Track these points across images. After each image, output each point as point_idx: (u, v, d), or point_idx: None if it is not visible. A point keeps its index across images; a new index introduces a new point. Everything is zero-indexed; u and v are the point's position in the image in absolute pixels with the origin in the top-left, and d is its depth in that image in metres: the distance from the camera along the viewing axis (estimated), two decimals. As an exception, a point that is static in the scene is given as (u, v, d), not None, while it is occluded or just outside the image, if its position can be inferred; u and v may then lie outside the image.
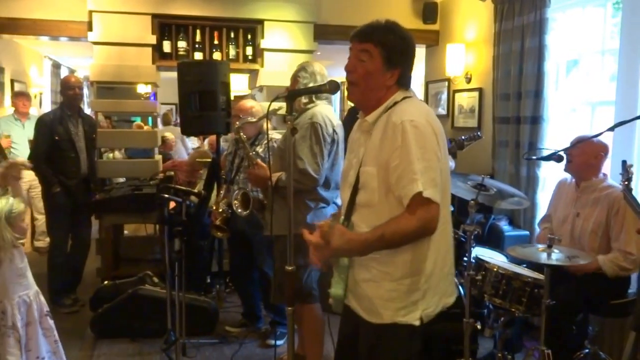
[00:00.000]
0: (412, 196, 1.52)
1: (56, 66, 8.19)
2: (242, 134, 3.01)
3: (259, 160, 2.82)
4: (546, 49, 3.62)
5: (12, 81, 6.49)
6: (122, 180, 5.05)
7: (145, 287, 3.57)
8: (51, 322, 2.42)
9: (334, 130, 2.68)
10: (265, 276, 3.43)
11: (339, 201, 2.59)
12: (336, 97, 10.52)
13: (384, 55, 1.63)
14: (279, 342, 3.32)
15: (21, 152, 4.96)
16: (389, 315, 1.63)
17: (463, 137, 3.05)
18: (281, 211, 2.31)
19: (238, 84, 5.90)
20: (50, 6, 4.46)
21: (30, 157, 4.04)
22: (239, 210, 2.94)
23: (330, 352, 3.00)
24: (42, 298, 2.44)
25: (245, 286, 3.66)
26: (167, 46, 4.56)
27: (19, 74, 6.78)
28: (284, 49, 4.70)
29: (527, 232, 3.75)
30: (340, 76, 9.75)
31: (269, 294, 3.46)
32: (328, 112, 2.74)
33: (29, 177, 4.66)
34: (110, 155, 5.68)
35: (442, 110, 5.03)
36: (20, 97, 5.53)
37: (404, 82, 1.70)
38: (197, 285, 3.95)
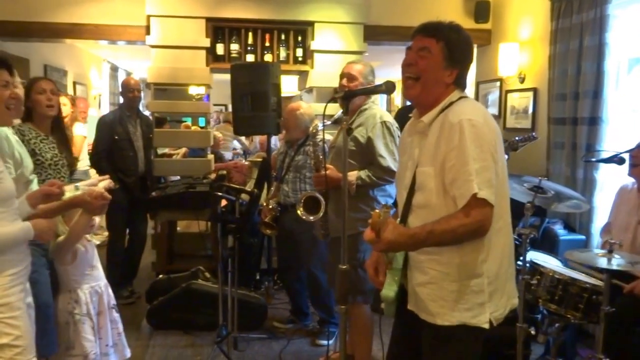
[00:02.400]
0: (467, 197, 1.51)
1: (114, 69, 8.56)
2: (318, 138, 2.85)
3: (328, 165, 2.74)
4: (607, 47, 3.49)
5: (75, 83, 6.85)
6: (174, 178, 5.21)
7: (197, 281, 3.67)
8: (116, 315, 2.51)
9: (397, 128, 2.73)
10: (313, 275, 3.46)
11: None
12: (382, 98, 10.48)
13: (445, 53, 1.63)
14: (326, 342, 3.35)
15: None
16: (456, 317, 1.62)
17: (517, 138, 2.98)
18: (347, 211, 2.33)
19: (288, 85, 5.97)
20: (110, 11, 4.67)
21: (91, 156, 4.24)
22: (310, 217, 2.85)
23: (376, 353, 3.02)
24: (110, 291, 2.53)
25: (293, 283, 3.71)
26: (220, 49, 4.68)
27: (80, 76, 7.14)
28: (334, 50, 4.72)
29: (583, 237, 3.62)
30: (388, 77, 9.71)
31: (316, 292, 3.51)
32: (386, 112, 2.79)
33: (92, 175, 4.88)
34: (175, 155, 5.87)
35: (493, 111, 4.93)
36: (79, 99, 5.83)
37: (460, 83, 1.69)
38: (247, 282, 4.04)
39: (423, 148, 1.65)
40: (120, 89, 4.38)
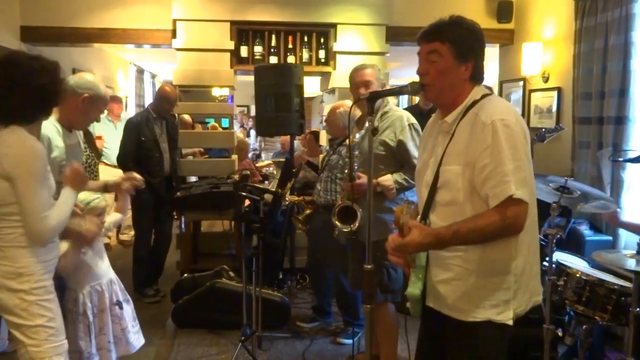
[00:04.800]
0: (502, 198, 1.51)
1: (140, 71, 8.73)
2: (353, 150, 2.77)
3: (359, 173, 2.68)
4: (633, 46, 3.45)
5: (101, 86, 7.00)
6: (194, 179, 5.28)
7: (222, 280, 3.71)
8: (119, 311, 2.49)
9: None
10: (340, 281, 3.47)
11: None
12: (403, 98, 10.44)
13: (454, 51, 1.62)
14: (349, 341, 3.36)
15: (113, 152, 5.30)
16: (482, 313, 1.62)
17: (545, 129, 2.95)
18: (379, 214, 2.34)
19: (310, 86, 6.02)
20: (137, 16, 4.79)
21: (118, 157, 4.34)
22: (345, 229, 2.69)
23: (401, 352, 3.03)
24: (116, 287, 2.51)
25: (319, 281, 3.73)
26: (244, 51, 4.75)
27: (107, 79, 7.30)
28: (356, 51, 4.74)
29: (610, 238, 3.57)
30: (412, 77, 9.67)
31: (343, 299, 3.52)
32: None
33: (117, 175, 4.99)
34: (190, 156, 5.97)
35: (517, 110, 4.89)
36: (114, 100, 5.98)
37: (478, 75, 1.69)
38: (270, 281, 4.08)
39: (449, 147, 1.65)
40: (156, 94, 4.45)
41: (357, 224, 2.64)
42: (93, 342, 2.38)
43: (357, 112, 3.14)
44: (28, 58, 1.96)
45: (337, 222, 2.73)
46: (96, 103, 2.42)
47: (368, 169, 1.88)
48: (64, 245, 2.29)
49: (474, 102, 1.64)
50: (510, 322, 1.62)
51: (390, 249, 1.61)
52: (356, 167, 2.66)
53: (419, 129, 2.68)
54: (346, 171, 2.83)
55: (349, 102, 3.59)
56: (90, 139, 2.91)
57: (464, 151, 1.60)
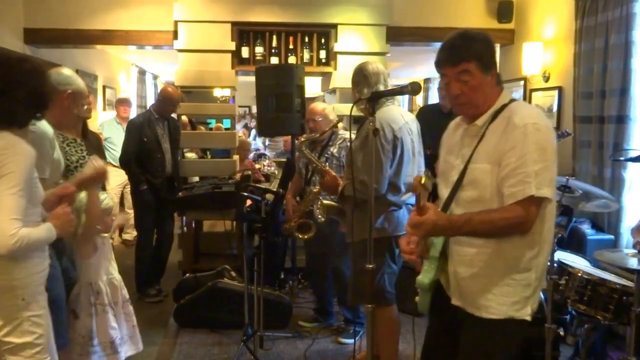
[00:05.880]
0: (519, 197, 1.55)
1: (142, 73, 8.75)
2: (305, 149, 3.13)
3: (329, 170, 2.87)
4: (633, 45, 3.45)
5: (104, 87, 7.03)
6: (196, 179, 5.29)
7: (223, 280, 3.72)
8: (130, 308, 2.56)
9: (394, 136, 2.60)
10: (339, 274, 3.49)
11: (412, 200, 2.62)
12: (404, 98, 10.42)
13: (480, 66, 1.66)
14: (350, 340, 3.38)
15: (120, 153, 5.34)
16: (503, 311, 1.65)
17: None
18: (358, 216, 2.35)
19: (311, 86, 6.03)
20: (139, 18, 4.81)
21: (120, 158, 4.36)
22: (320, 217, 3.05)
23: (402, 353, 3.04)
24: (124, 286, 2.59)
25: (319, 282, 3.74)
26: (245, 52, 4.77)
27: (110, 80, 7.33)
28: (356, 51, 4.74)
29: (611, 237, 3.57)
30: (411, 77, 9.68)
31: (343, 291, 3.53)
32: (390, 115, 2.65)
33: (123, 176, 5.01)
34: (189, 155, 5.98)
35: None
36: (123, 103, 6.01)
37: (499, 79, 1.74)
38: (272, 281, 4.09)
39: (478, 146, 1.68)
40: (158, 95, 4.45)
41: (311, 234, 3.23)
42: (124, 325, 2.45)
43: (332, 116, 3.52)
44: (18, 60, 1.90)
45: (317, 212, 3.03)
46: (78, 98, 2.39)
47: (368, 167, 1.90)
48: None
49: (504, 106, 1.68)
50: (529, 318, 1.66)
51: (408, 225, 1.63)
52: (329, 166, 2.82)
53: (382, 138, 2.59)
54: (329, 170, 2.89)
55: (328, 106, 3.68)
56: (94, 142, 2.88)
57: (493, 150, 1.64)
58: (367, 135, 2.54)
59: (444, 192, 1.79)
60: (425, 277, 1.73)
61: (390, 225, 2.67)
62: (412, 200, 2.60)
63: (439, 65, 1.72)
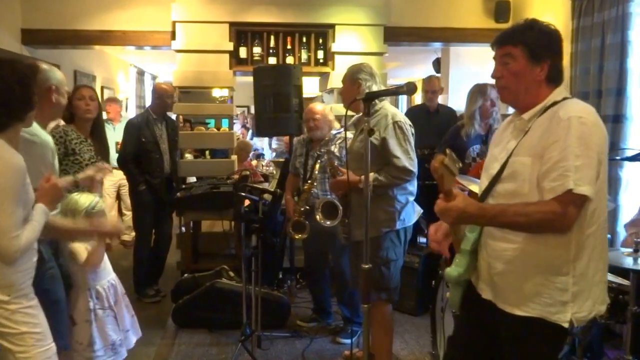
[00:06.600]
0: (559, 192, 1.50)
1: (140, 73, 8.77)
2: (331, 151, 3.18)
3: (342, 168, 2.89)
4: (629, 44, 3.46)
5: (102, 88, 7.04)
6: (193, 179, 5.29)
7: (222, 280, 3.72)
8: (127, 299, 2.62)
9: (410, 126, 2.75)
10: (339, 273, 3.49)
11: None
12: (402, 98, 10.42)
13: (527, 53, 1.62)
14: (348, 340, 3.38)
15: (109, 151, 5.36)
16: (536, 309, 1.60)
17: None
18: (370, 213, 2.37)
19: (309, 86, 6.04)
20: (137, 18, 4.82)
21: (118, 158, 4.36)
22: (327, 223, 3.07)
23: (397, 351, 3.05)
24: (119, 281, 2.63)
25: (317, 282, 3.75)
26: (243, 52, 4.78)
27: (108, 81, 7.34)
28: (354, 52, 4.76)
29: (607, 235, 3.57)
30: (409, 77, 9.67)
31: (342, 290, 3.54)
32: (398, 110, 2.82)
33: (120, 176, 5.02)
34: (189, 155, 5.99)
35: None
36: (112, 102, 6.01)
37: (555, 76, 1.68)
38: (270, 281, 4.09)
39: (522, 140, 1.65)
40: (153, 94, 4.44)
41: (337, 220, 2.99)
42: (128, 320, 2.49)
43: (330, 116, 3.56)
44: (4, 61, 1.89)
45: (320, 216, 3.07)
46: (61, 90, 2.42)
47: (364, 167, 1.91)
48: (80, 247, 2.34)
49: (554, 103, 1.62)
50: (566, 325, 1.58)
51: (436, 212, 1.60)
52: (339, 165, 2.85)
53: (405, 126, 2.69)
54: (343, 169, 2.89)
55: (321, 105, 3.70)
56: (101, 143, 3.00)
57: (536, 144, 1.59)
58: (393, 125, 2.67)
59: (483, 183, 1.76)
60: (454, 270, 1.71)
61: (408, 215, 2.78)
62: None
63: (491, 46, 1.71)
